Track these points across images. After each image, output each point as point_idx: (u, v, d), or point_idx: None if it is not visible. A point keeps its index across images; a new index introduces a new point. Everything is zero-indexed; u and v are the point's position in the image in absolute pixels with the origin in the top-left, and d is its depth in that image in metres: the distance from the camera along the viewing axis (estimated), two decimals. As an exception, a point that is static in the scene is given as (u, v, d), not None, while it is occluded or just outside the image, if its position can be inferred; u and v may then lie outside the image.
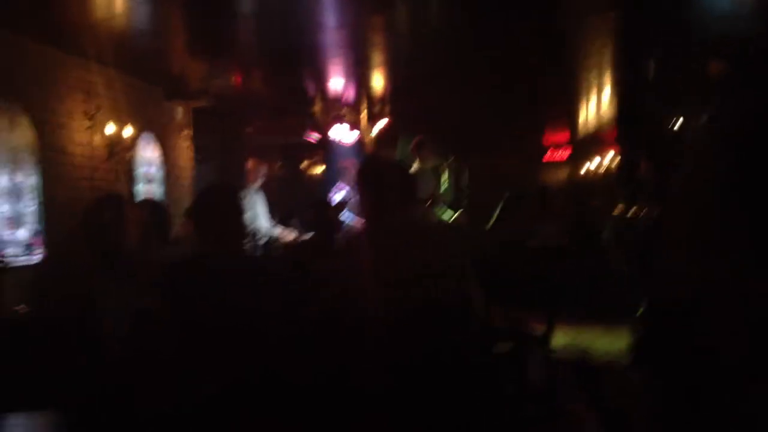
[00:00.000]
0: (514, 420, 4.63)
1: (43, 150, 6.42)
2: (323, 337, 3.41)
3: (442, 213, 7.46)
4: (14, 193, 6.10)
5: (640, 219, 6.06)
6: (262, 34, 6.91)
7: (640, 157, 7.04)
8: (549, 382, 4.92)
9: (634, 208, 6.51)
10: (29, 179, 6.27)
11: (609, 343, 7.04)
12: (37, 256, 6.18)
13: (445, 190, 7.48)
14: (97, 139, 7.20)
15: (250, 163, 8.43)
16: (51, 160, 6.55)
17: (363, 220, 4.19)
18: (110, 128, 7.26)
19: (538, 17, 6.39)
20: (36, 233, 6.26)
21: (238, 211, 3.45)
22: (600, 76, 8.92)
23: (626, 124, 9.83)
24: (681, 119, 8.10)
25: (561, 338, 7.14)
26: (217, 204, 3.42)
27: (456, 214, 7.52)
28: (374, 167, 3.74)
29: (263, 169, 8.55)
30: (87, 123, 7.07)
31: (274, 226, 7.91)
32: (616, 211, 7.27)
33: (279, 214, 8.40)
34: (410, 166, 7.41)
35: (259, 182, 8.47)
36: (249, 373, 3.19)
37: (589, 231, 8.19)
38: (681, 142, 8.04)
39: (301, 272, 4.48)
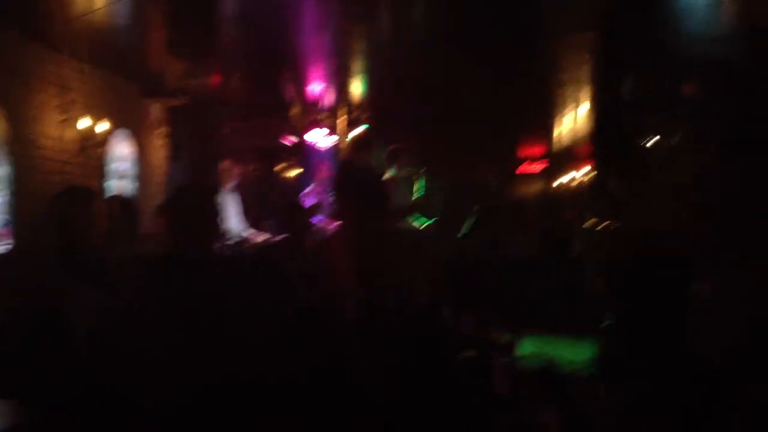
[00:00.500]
0: (481, 429, 4.65)
1: (16, 142, 6.36)
2: (293, 336, 3.41)
3: (415, 221, 7.48)
4: (-16, 183, 6.03)
5: (608, 232, 6.14)
6: (243, 35, 6.92)
7: (613, 173, 7.15)
8: (515, 390, 4.95)
9: (603, 222, 6.60)
10: (0, 170, 6.20)
11: (575, 353, 7.10)
12: (4, 247, 6.11)
13: (419, 198, 7.50)
14: (70, 133, 7.13)
15: (224, 164, 8.39)
16: (23, 153, 6.49)
17: (335, 224, 4.21)
18: (84, 123, 7.20)
19: (518, 33, 6.47)
20: (5, 224, 6.19)
21: (212, 210, 3.40)
22: (576, 93, 9.03)
23: (600, 141, 9.97)
24: (654, 138, 8.25)
25: (528, 347, 7.20)
26: (191, 203, 3.36)
27: (428, 223, 7.54)
28: (349, 173, 3.77)
29: (238, 170, 8.52)
30: (60, 117, 7.00)
31: (247, 227, 7.88)
32: (587, 225, 7.35)
33: (252, 216, 8.37)
34: (384, 174, 7.44)
35: (233, 183, 8.44)
36: (217, 374, 3.18)
37: (559, 243, 8.26)
38: (651, 159, 8.20)
39: (272, 273, 4.48)
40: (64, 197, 3.98)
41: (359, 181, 3.65)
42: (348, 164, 4.31)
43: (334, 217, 4.49)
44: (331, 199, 4.30)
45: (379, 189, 3.80)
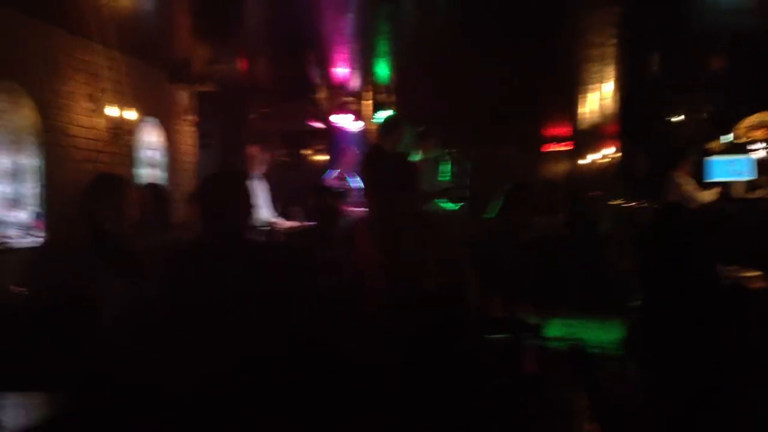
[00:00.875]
0: (510, 409, 4.66)
1: (46, 132, 6.41)
2: (325, 323, 3.44)
3: (445, 203, 7.47)
4: (16, 175, 6.09)
5: (636, 212, 6.09)
6: (268, 19, 6.91)
7: (639, 152, 7.07)
8: (544, 371, 4.95)
9: (631, 202, 6.54)
10: (32, 161, 6.26)
11: (604, 334, 7.08)
12: (37, 239, 6.20)
13: (449, 180, 7.49)
14: (100, 122, 7.20)
15: (252, 150, 8.44)
16: (53, 142, 6.54)
17: (365, 208, 4.22)
18: (114, 111, 7.26)
19: (544, 10, 6.40)
20: (37, 216, 6.26)
21: (245, 197, 3.39)
22: (602, 71, 8.93)
23: (626, 119, 9.85)
24: (682, 116, 8.15)
25: (557, 329, 7.18)
26: (224, 189, 3.35)
27: (458, 205, 7.53)
28: (377, 157, 3.78)
29: (266, 156, 8.57)
30: (91, 105, 7.07)
31: (276, 213, 7.93)
32: (614, 204, 7.30)
33: (281, 202, 8.41)
34: (413, 156, 7.43)
35: (261, 169, 8.49)
36: (252, 361, 3.22)
37: (587, 223, 8.21)
38: (680, 138, 8.10)
39: (304, 259, 4.51)
40: (97, 186, 4.05)
41: (386, 164, 3.65)
42: (376, 148, 4.32)
43: (363, 201, 4.51)
44: (358, 184, 4.32)
45: (406, 172, 3.79)
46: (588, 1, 6.35)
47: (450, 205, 7.52)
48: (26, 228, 6.11)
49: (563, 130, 14.32)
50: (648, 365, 4.06)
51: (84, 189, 4.07)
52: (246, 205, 3.62)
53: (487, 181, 8.30)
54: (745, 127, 6.07)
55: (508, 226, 7.16)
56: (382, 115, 10.39)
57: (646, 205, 5.97)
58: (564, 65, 8.80)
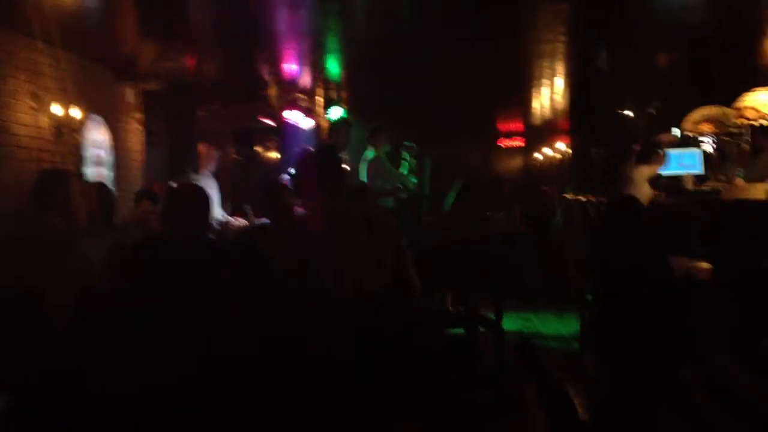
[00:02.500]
0: (466, 403, 4.68)
1: (-14, 130, 6.23)
2: (277, 319, 3.40)
3: (396, 200, 7.47)
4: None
5: (590, 204, 6.14)
6: (216, 16, 6.80)
7: (591, 145, 7.16)
8: (500, 366, 4.97)
9: (584, 196, 6.60)
10: (-27, 160, 6.09)
11: (561, 326, 7.17)
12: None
13: (401, 177, 7.49)
14: (44, 120, 7.01)
15: (202, 148, 8.31)
16: (-4, 140, 6.38)
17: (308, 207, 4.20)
18: (58, 109, 7.08)
19: (492, 6, 6.42)
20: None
21: (206, 204, 3.62)
22: (553, 67, 9.00)
23: (578, 113, 9.98)
24: (630, 109, 8.26)
25: (513, 323, 7.25)
26: (187, 198, 3.58)
27: (409, 201, 7.53)
28: (312, 157, 3.79)
29: (216, 154, 8.45)
30: (33, 104, 6.88)
31: (227, 211, 7.82)
32: (568, 198, 7.37)
33: (232, 200, 8.31)
34: (367, 154, 7.42)
35: (211, 167, 8.36)
36: (204, 358, 3.17)
37: (541, 217, 8.29)
38: (631, 130, 8.21)
39: (254, 257, 4.46)
40: (43, 181, 3.95)
41: (322, 164, 3.65)
42: (313, 149, 4.33)
43: (302, 200, 4.50)
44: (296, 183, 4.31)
45: (337, 170, 3.80)
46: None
47: (400, 202, 7.54)
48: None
49: (516, 125, 14.45)
50: (602, 356, 4.11)
51: (36, 180, 3.98)
52: (207, 212, 3.70)
53: (441, 178, 8.36)
54: (692, 122, 6.18)
55: (463, 221, 7.20)
56: (334, 111, 10.36)
57: (598, 198, 6.03)
58: (515, 61, 8.85)
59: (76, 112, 7.34)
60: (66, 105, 7.18)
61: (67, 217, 3.86)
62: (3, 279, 3.60)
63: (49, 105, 7.03)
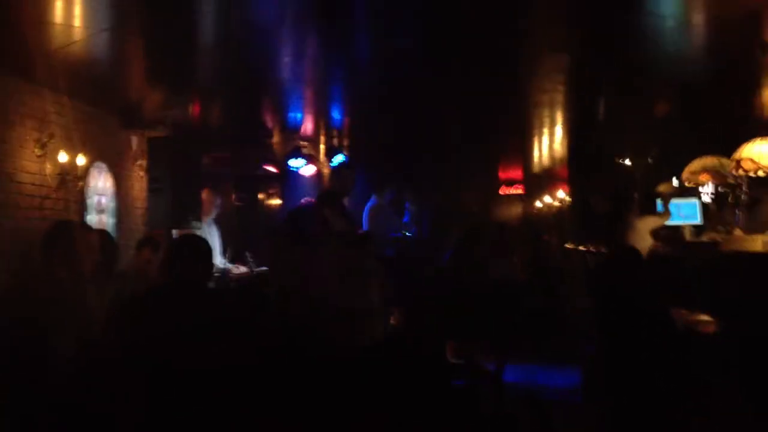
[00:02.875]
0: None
1: (-8, 178, 6.27)
2: (280, 367, 3.40)
3: (402, 247, 7.50)
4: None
5: (589, 255, 6.16)
6: (220, 64, 6.90)
7: (591, 194, 7.19)
8: (502, 418, 4.93)
9: (584, 245, 6.62)
10: (-23, 207, 6.12)
11: (561, 378, 7.11)
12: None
13: (403, 224, 7.53)
14: (48, 167, 7.06)
15: (204, 194, 8.36)
16: (0, 188, 6.40)
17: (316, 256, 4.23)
18: (62, 157, 7.13)
19: (493, 57, 6.51)
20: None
21: (207, 257, 3.75)
22: (552, 114, 9.09)
23: (577, 162, 10.02)
24: (629, 158, 8.33)
25: (513, 373, 7.20)
26: (189, 248, 3.71)
27: (415, 248, 7.56)
28: (313, 206, 3.84)
29: (218, 201, 8.50)
30: (38, 151, 6.93)
31: (228, 259, 7.84)
32: (569, 247, 7.38)
33: (233, 247, 8.33)
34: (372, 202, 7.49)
35: (213, 214, 8.41)
36: (206, 406, 3.17)
37: (542, 266, 8.29)
38: (630, 179, 8.27)
39: (253, 305, 4.47)
40: (53, 233, 3.99)
41: (327, 212, 3.71)
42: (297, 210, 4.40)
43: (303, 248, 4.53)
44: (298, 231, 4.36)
45: (346, 219, 3.85)
46: (536, 48, 6.47)
47: (401, 250, 7.56)
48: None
49: (516, 173, 14.51)
50: (605, 407, 4.09)
51: (45, 233, 4.03)
52: (209, 265, 3.78)
53: (442, 225, 8.39)
54: (690, 172, 6.23)
55: (462, 269, 7.21)
56: (337, 158, 10.44)
57: (599, 248, 6.04)
58: (514, 110, 8.94)
59: (80, 160, 7.40)
60: (71, 152, 7.23)
61: (72, 267, 3.90)
62: (8, 329, 3.61)
63: (54, 152, 7.09)
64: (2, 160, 6.47)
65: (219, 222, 8.54)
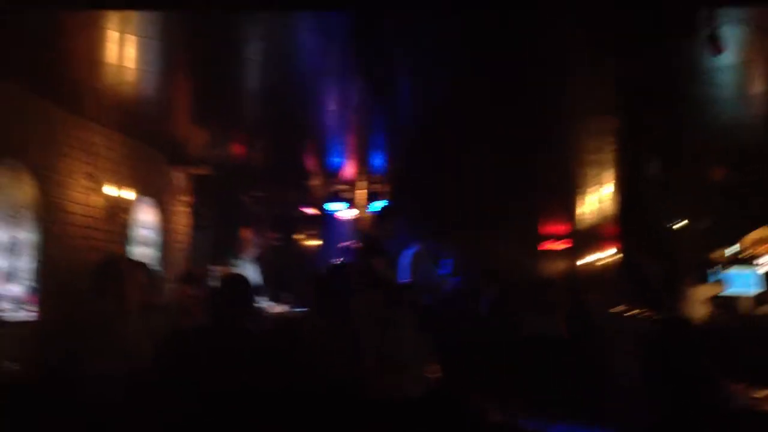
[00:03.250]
0: None
1: (44, 208, 6.38)
2: (322, 410, 3.38)
3: (442, 298, 7.42)
4: (12, 249, 6.05)
5: (639, 321, 6.04)
6: (265, 108, 7.03)
7: (642, 257, 7.08)
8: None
9: (633, 310, 6.50)
10: (28, 235, 6.21)
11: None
12: (30, 313, 6.09)
13: (444, 275, 7.47)
14: (97, 200, 7.18)
15: (245, 233, 8.43)
16: (51, 219, 6.49)
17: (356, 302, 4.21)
18: (110, 190, 7.26)
19: (541, 114, 6.52)
20: (31, 290, 6.19)
21: (250, 295, 3.88)
22: (600, 173, 9.03)
23: (628, 223, 9.89)
24: (683, 222, 8.19)
25: (557, 434, 7.03)
26: (233, 290, 3.82)
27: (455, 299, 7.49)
28: (369, 253, 3.84)
29: (258, 240, 8.55)
30: (88, 183, 7.06)
31: (265, 297, 7.84)
32: (618, 310, 7.25)
33: (272, 286, 8.35)
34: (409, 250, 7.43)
35: (253, 252, 8.46)
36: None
37: (586, 325, 8.13)
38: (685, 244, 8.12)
39: (297, 346, 4.45)
40: (104, 268, 4.06)
41: (373, 259, 3.70)
42: (367, 240, 4.38)
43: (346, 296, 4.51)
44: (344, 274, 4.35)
45: (391, 268, 3.85)
46: (584, 111, 6.47)
47: (440, 299, 7.49)
48: (20, 302, 6.04)
49: (561, 228, 14.35)
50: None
51: (91, 268, 4.10)
52: (251, 305, 3.83)
53: (482, 276, 8.29)
54: (751, 241, 6.11)
55: (502, 323, 7.11)
56: (376, 204, 10.45)
57: (647, 314, 5.93)
58: (562, 166, 8.91)
59: (127, 193, 7.51)
60: (118, 186, 7.36)
61: (118, 301, 3.95)
62: (57, 360, 3.67)
63: (102, 185, 7.22)
64: (53, 189, 6.59)
65: (257, 260, 8.58)
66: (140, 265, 5.83)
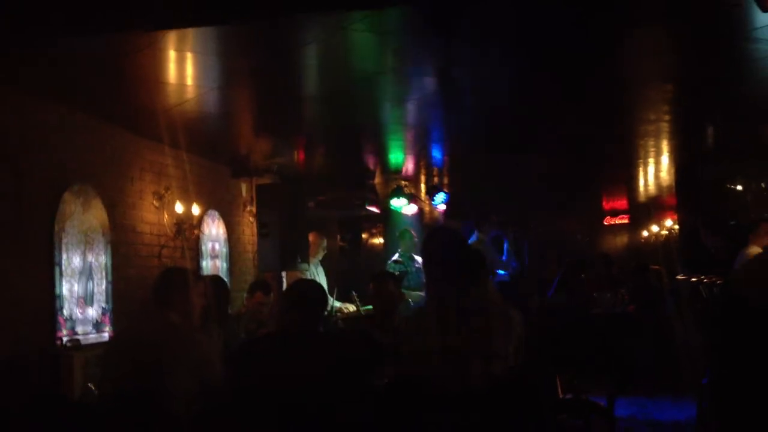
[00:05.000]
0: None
1: (114, 230, 6.61)
2: (392, 410, 3.45)
3: (505, 284, 7.47)
4: (86, 273, 6.28)
5: (702, 285, 5.97)
6: (324, 113, 7.13)
7: (699, 223, 6.97)
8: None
9: (696, 276, 6.42)
10: (100, 258, 6.46)
11: (676, 413, 6.87)
12: (105, 334, 6.34)
13: (507, 259, 7.51)
14: (165, 217, 7.44)
15: (311, 237, 8.61)
16: (121, 240, 6.75)
17: (427, 291, 4.25)
18: (179, 207, 7.50)
19: (597, 87, 6.46)
20: (105, 311, 6.43)
21: (323, 300, 3.94)
22: (658, 143, 8.91)
23: (686, 190, 9.72)
24: (740, 186, 8.03)
25: (626, 408, 7.01)
26: (306, 292, 3.89)
27: (517, 284, 7.51)
28: (438, 241, 3.83)
29: (324, 242, 8.73)
30: (156, 203, 7.33)
31: (334, 297, 8.01)
32: (680, 278, 7.17)
33: (339, 287, 8.51)
34: (473, 237, 7.51)
35: (320, 255, 8.64)
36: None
37: (651, 298, 8.06)
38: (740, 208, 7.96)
39: (367, 344, 4.55)
40: (165, 280, 4.18)
41: (449, 249, 3.68)
42: (436, 232, 4.37)
43: (427, 286, 4.55)
44: (423, 268, 4.38)
45: (470, 257, 3.83)
46: (641, 80, 6.39)
47: (503, 286, 7.52)
48: (95, 324, 6.28)
49: (621, 203, 14.19)
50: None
51: (153, 284, 4.23)
52: (324, 307, 3.91)
53: (544, 259, 8.31)
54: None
55: (570, 302, 7.12)
56: (438, 197, 10.51)
57: (711, 279, 5.84)
58: (619, 139, 8.80)
59: (195, 209, 7.76)
60: (186, 202, 7.59)
61: (184, 313, 4.00)
62: (126, 376, 3.76)
63: (170, 203, 7.46)
64: (123, 212, 6.87)
65: (325, 262, 8.76)
66: (209, 277, 6.04)
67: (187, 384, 3.71)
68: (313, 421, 3.25)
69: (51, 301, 5.75)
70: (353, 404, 3.44)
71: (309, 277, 7.95)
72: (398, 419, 3.42)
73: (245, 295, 6.58)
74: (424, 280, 4.52)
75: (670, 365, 7.10)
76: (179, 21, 4.41)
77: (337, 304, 8.24)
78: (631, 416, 6.82)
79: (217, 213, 8.65)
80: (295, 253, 8.24)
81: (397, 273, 7.16)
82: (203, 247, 8.26)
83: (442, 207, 10.82)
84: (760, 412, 3.53)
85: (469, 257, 3.68)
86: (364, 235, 13.28)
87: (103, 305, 6.42)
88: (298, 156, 9.05)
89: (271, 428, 3.34)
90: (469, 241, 7.41)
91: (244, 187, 9.40)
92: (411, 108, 7.13)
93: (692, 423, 6.04)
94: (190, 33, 4.74)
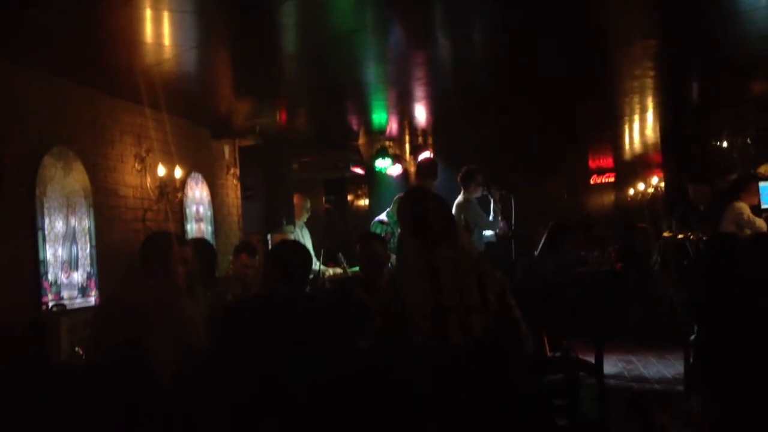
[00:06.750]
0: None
1: (96, 194, 6.55)
2: (380, 368, 3.45)
3: (491, 243, 7.46)
4: (70, 237, 6.23)
5: (689, 242, 6.00)
6: (305, 72, 7.04)
7: (686, 179, 6.99)
8: (602, 411, 4.87)
9: (681, 233, 6.45)
10: (83, 222, 6.42)
11: (663, 369, 6.96)
12: (92, 298, 6.31)
13: (494, 219, 7.49)
14: (148, 181, 7.37)
15: (296, 199, 8.55)
16: (103, 203, 6.69)
17: (409, 251, 4.23)
18: (161, 170, 7.43)
19: (580, 45, 6.42)
20: (90, 275, 6.40)
21: (307, 262, 3.92)
22: (643, 100, 8.89)
23: (671, 147, 9.74)
24: (725, 142, 8.05)
25: (613, 365, 7.09)
26: (291, 254, 3.87)
27: (504, 244, 7.51)
28: (409, 202, 3.84)
29: (308, 204, 8.68)
30: (138, 166, 7.25)
31: (320, 260, 7.98)
32: (666, 235, 7.20)
33: (325, 249, 8.49)
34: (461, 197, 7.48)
35: (305, 217, 8.60)
36: (308, 414, 3.24)
37: (637, 256, 8.10)
38: (726, 163, 7.98)
39: (352, 306, 4.54)
40: (148, 245, 4.13)
41: (427, 206, 3.68)
42: (404, 195, 4.37)
43: (406, 245, 4.52)
44: (401, 228, 4.36)
45: (448, 214, 3.83)
46: (624, 36, 6.34)
47: (490, 245, 7.53)
48: (81, 288, 6.26)
49: (606, 161, 14.22)
50: (709, 397, 3.99)
51: (139, 250, 4.17)
52: (308, 267, 3.87)
53: (530, 218, 8.30)
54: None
55: (556, 262, 7.13)
56: (423, 156, 10.46)
57: (697, 236, 5.87)
58: (603, 96, 8.78)
59: (177, 172, 7.68)
60: (168, 165, 7.52)
61: (169, 278, 3.95)
62: (111, 340, 3.74)
63: (152, 166, 7.39)
64: (106, 176, 6.79)
65: (310, 224, 8.72)
66: (194, 240, 5.98)
67: (172, 349, 3.67)
68: (297, 385, 3.24)
69: (35, 266, 5.70)
70: (338, 367, 3.42)
71: (294, 238, 7.91)
72: (382, 381, 3.41)
73: (231, 258, 6.55)
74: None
75: (657, 322, 7.17)
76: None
77: (323, 266, 8.22)
78: (618, 373, 6.89)
79: (200, 176, 8.57)
80: (280, 215, 8.20)
81: (383, 235, 7.12)
82: (187, 210, 8.19)
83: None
84: (746, 368, 3.56)
85: (440, 216, 3.66)
86: (349, 197, 13.24)
87: (88, 269, 6.38)
88: (280, 117, 8.95)
89: (255, 392, 3.32)
90: (456, 202, 7.37)
91: (227, 150, 9.31)
92: (393, 67, 7.06)
93: (679, 379, 6.10)
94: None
